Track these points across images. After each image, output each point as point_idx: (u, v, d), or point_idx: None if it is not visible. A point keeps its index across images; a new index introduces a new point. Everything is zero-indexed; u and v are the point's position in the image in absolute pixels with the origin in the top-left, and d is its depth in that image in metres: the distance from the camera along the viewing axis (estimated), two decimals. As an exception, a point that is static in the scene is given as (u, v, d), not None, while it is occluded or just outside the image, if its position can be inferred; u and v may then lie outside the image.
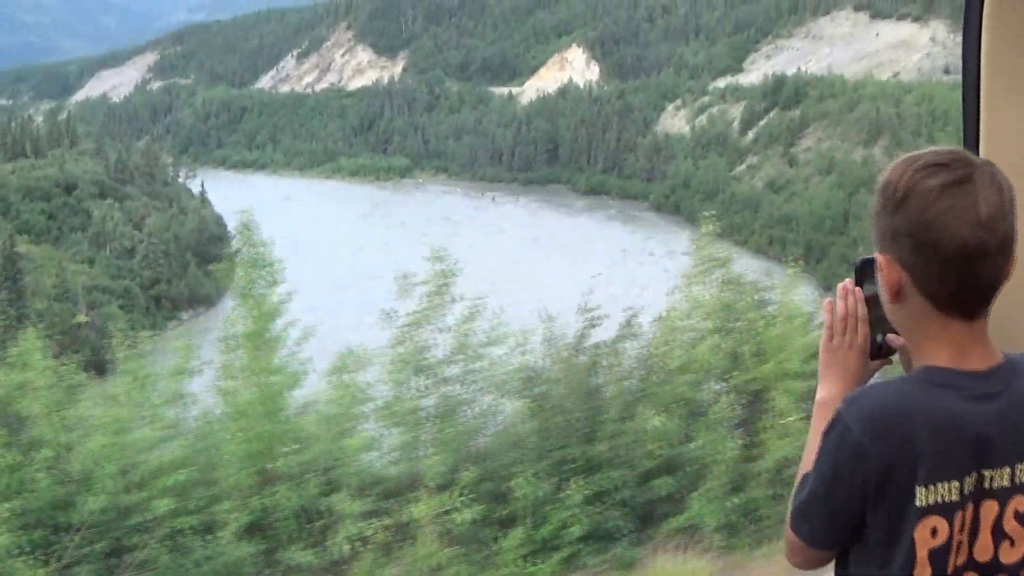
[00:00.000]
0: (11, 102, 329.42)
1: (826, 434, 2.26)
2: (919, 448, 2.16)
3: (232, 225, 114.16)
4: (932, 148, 2.28)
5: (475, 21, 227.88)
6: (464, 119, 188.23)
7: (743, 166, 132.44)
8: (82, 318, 75.25)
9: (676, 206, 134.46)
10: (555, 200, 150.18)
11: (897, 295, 2.33)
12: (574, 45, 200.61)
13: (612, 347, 12.32)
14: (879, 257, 2.32)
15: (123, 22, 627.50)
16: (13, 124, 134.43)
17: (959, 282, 2.23)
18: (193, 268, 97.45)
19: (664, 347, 12.17)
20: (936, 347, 2.31)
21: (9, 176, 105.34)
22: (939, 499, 2.18)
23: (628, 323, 12.68)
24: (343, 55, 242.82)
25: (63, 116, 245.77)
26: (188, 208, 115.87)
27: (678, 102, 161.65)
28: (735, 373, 11.74)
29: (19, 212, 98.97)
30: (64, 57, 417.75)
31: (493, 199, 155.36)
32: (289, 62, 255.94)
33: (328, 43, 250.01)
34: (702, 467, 11.05)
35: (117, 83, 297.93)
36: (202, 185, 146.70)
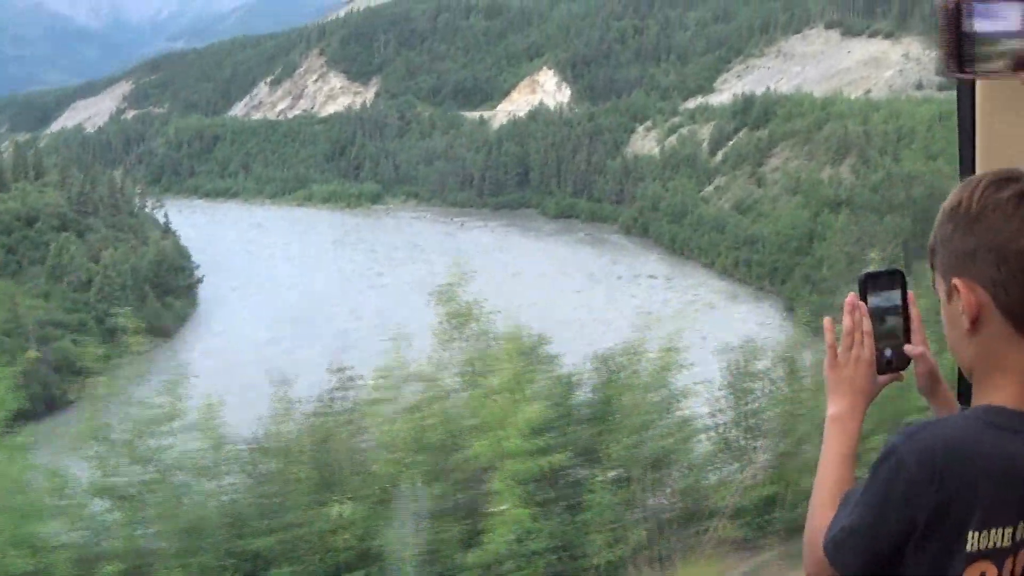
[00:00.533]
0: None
1: (878, 465, 2.18)
2: (978, 493, 2.08)
3: (198, 256, 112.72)
4: (986, 172, 2.17)
5: (448, 45, 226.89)
6: (435, 144, 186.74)
7: (711, 187, 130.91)
8: (33, 354, 73.42)
9: (645, 228, 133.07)
10: (524, 224, 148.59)
11: (976, 321, 2.20)
12: (545, 67, 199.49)
13: (322, 412, 10.32)
14: (957, 282, 2.19)
15: (104, 53, 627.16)
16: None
17: None
18: (151, 300, 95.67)
19: (372, 416, 10.13)
20: (1006, 382, 2.21)
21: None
22: (991, 545, 2.11)
23: (344, 382, 10.55)
24: (315, 81, 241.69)
25: (35, 147, 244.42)
26: (151, 239, 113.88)
27: (648, 123, 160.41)
28: (452, 449, 9.70)
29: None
30: (45, 87, 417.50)
31: (462, 224, 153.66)
32: (262, 89, 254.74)
33: (301, 69, 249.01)
34: (398, 563, 9.04)
35: (93, 113, 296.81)
36: (166, 215, 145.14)
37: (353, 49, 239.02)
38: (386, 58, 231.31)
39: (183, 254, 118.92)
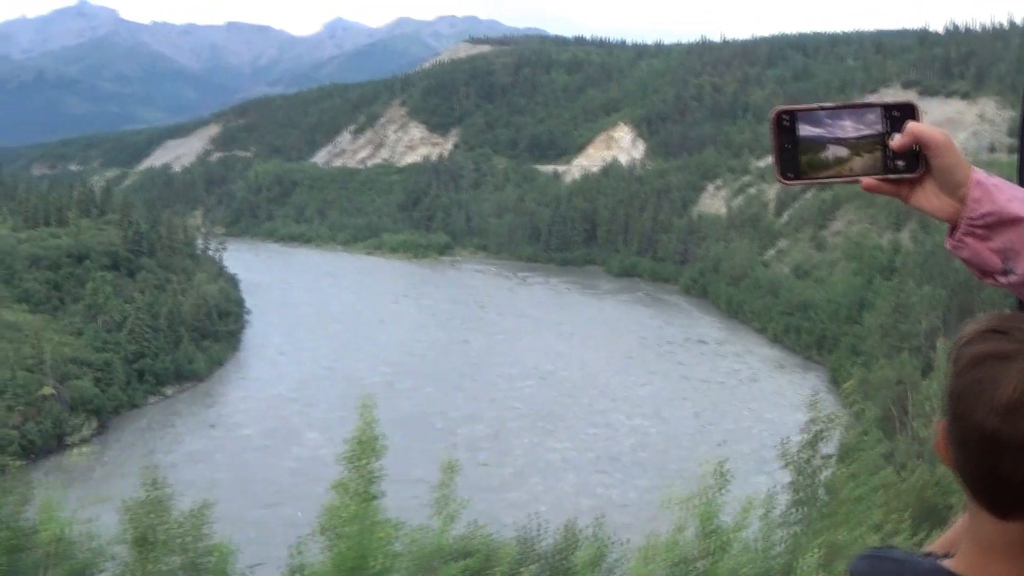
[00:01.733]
0: (81, 168, 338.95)
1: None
2: None
3: (257, 300, 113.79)
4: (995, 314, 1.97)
5: (527, 99, 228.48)
6: (507, 197, 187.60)
7: (773, 250, 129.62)
8: (48, 390, 74.62)
9: (704, 290, 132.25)
10: (586, 282, 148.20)
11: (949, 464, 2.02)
12: (621, 123, 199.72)
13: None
14: (937, 421, 2.03)
15: (202, 94, 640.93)
16: (29, 192, 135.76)
17: (978, 469, 1.91)
18: (186, 343, 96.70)
19: None
20: (966, 540, 2.01)
21: (18, 245, 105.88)
22: None
23: None
24: (396, 131, 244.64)
25: (106, 183, 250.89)
26: (197, 281, 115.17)
27: (718, 182, 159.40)
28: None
29: (21, 280, 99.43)
30: (142, 126, 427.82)
31: (524, 280, 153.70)
32: (345, 137, 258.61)
33: (383, 119, 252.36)
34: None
35: (182, 153, 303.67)
36: (220, 259, 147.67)
37: (434, 101, 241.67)
38: (466, 110, 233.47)
39: (230, 298, 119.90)
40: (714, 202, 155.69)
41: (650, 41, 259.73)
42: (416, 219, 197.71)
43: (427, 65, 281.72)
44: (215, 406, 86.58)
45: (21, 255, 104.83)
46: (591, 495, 60.92)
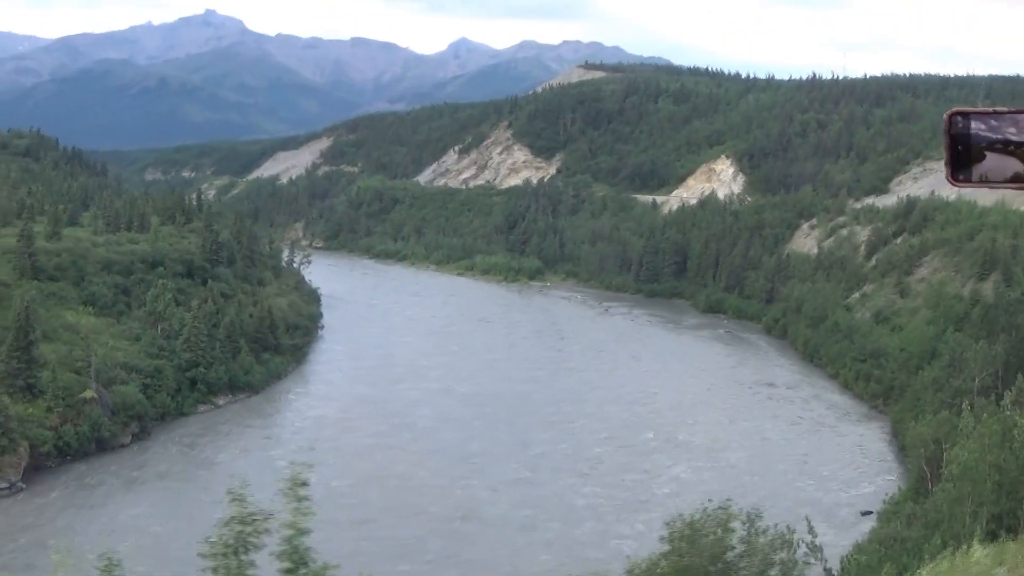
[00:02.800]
0: (193, 174, 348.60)
1: None
2: None
3: (337, 316, 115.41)
4: None
5: (632, 127, 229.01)
6: (602, 225, 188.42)
7: (858, 294, 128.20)
8: (89, 393, 77.00)
9: (784, 330, 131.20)
10: (669, 316, 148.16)
11: None
12: (723, 156, 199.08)
13: None
14: None
15: (324, 108, 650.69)
16: (115, 199, 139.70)
17: None
18: (244, 354, 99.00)
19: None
20: None
21: (93, 248, 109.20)
22: None
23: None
24: (500, 153, 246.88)
25: (197, 191, 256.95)
26: (265, 293, 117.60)
27: (813, 221, 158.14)
28: None
29: (91, 283, 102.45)
30: (263, 136, 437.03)
31: (607, 309, 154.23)
32: (451, 157, 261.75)
33: (488, 140, 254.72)
34: None
35: (292, 165, 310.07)
36: (299, 271, 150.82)
37: (539, 124, 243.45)
38: (571, 135, 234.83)
39: (300, 311, 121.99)
40: (807, 241, 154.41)
41: (775, 74, 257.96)
42: (511, 242, 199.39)
43: (539, 89, 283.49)
44: (256, 421, 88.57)
45: (94, 258, 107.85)
46: (603, 547, 60.67)
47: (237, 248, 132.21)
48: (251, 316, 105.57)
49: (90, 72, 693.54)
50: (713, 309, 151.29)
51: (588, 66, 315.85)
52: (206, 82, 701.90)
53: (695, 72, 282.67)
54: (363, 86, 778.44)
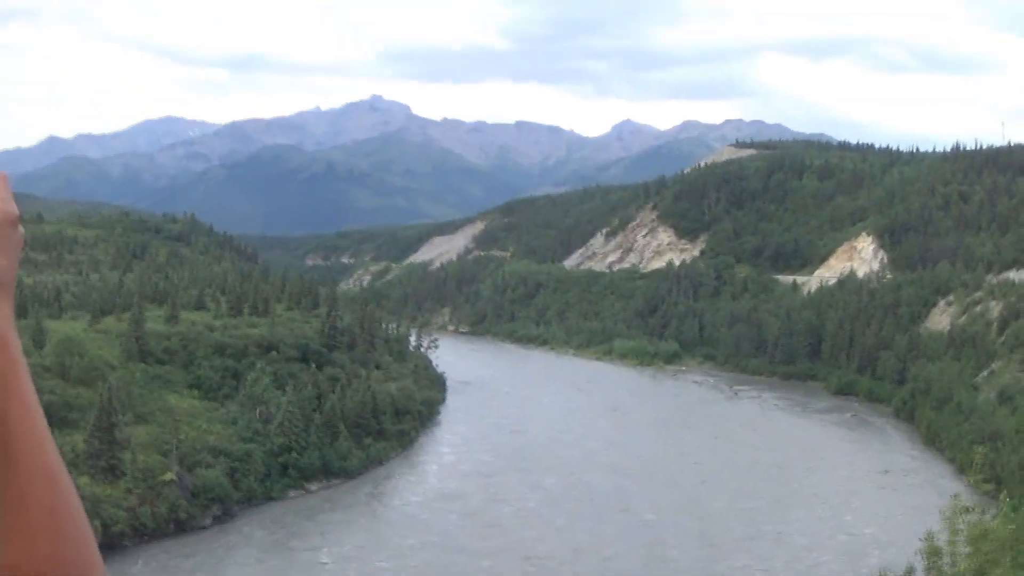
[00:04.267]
0: (352, 260, 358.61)
1: None
2: None
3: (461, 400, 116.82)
4: None
5: (776, 205, 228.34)
6: (740, 307, 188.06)
7: (986, 372, 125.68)
8: (169, 476, 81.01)
9: (911, 413, 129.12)
10: (799, 399, 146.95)
11: None
12: (864, 233, 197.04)
13: None
14: None
15: (488, 192, 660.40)
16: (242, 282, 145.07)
17: None
18: (343, 439, 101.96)
19: None
20: None
21: (207, 332, 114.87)
22: None
23: None
24: (645, 236, 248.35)
25: (381, 278, 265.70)
26: (370, 377, 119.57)
27: (950, 297, 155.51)
28: None
29: (199, 367, 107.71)
30: (428, 220, 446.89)
31: (736, 393, 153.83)
32: (598, 240, 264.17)
33: (634, 223, 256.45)
34: None
35: (446, 249, 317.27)
36: (425, 356, 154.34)
37: (684, 205, 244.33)
38: (715, 216, 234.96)
39: (412, 396, 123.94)
40: (943, 319, 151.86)
41: (936, 145, 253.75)
42: (651, 326, 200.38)
43: (687, 170, 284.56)
44: (333, 514, 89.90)
45: (206, 342, 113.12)
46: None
47: (359, 333, 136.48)
48: (353, 401, 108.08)
49: (259, 157, 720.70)
50: (844, 391, 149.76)
51: (739, 145, 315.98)
52: (373, 167, 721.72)
53: (844, 147, 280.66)
54: (528, 169, 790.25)
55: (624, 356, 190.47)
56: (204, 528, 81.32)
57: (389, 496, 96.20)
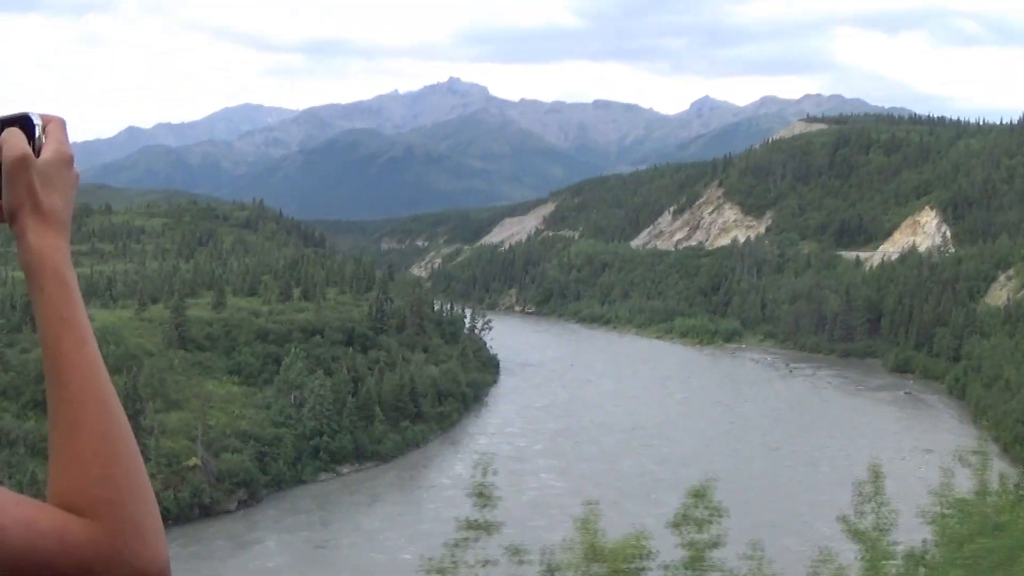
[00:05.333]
0: (426, 243, 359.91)
1: None
2: None
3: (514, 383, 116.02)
4: None
5: (842, 181, 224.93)
6: (802, 284, 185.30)
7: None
8: (194, 461, 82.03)
9: (963, 391, 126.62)
10: (853, 377, 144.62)
11: None
12: (927, 207, 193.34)
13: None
14: None
15: (568, 172, 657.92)
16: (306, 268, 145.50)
17: None
18: (377, 423, 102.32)
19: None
20: None
21: (252, 318, 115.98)
22: None
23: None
24: (711, 213, 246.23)
25: (452, 260, 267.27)
26: (412, 361, 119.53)
27: (1010, 272, 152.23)
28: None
29: (240, 352, 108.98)
30: (505, 202, 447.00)
31: (791, 371, 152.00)
32: (666, 218, 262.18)
33: (701, 200, 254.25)
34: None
35: (517, 231, 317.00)
36: (479, 338, 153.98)
37: (750, 182, 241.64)
38: (780, 192, 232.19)
39: (458, 379, 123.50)
40: (1003, 293, 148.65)
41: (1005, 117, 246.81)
42: (714, 304, 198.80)
43: (756, 146, 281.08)
44: (357, 497, 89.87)
45: (249, 328, 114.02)
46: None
47: (408, 315, 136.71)
48: (390, 384, 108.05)
49: (337, 143, 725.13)
50: (901, 369, 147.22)
51: (809, 119, 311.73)
52: (451, 150, 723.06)
53: (914, 120, 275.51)
54: (607, 148, 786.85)
55: (685, 335, 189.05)
56: (229, 512, 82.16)
57: (417, 480, 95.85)
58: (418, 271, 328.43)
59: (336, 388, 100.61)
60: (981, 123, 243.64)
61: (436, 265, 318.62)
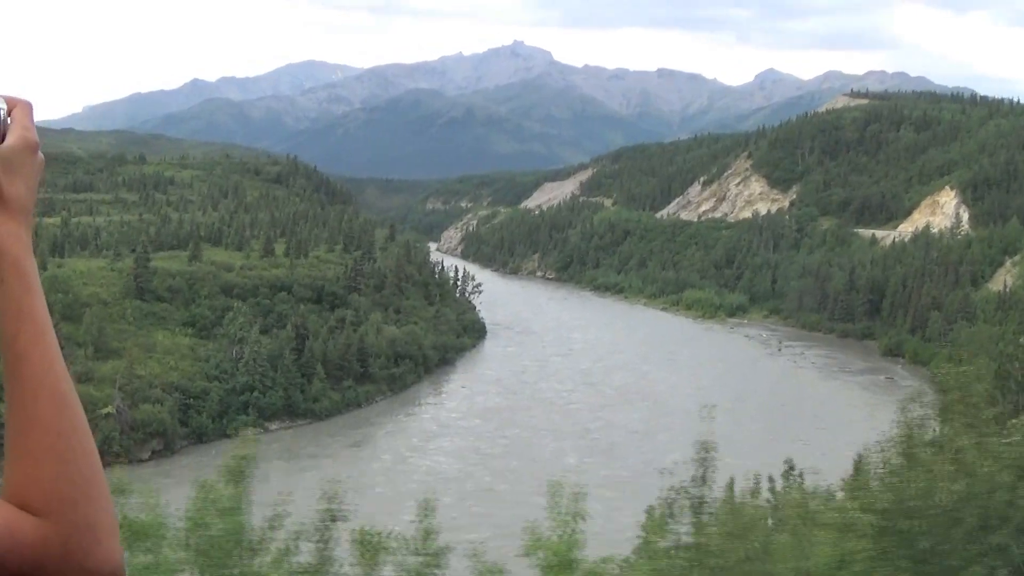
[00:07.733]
0: (470, 204, 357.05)
1: None
2: None
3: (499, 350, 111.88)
4: None
5: (869, 157, 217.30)
6: (813, 260, 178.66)
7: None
8: (109, 409, 79.99)
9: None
10: (839, 357, 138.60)
11: None
12: (947, 187, 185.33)
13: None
14: None
15: (628, 139, 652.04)
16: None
17: None
18: (318, 381, 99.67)
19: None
20: None
21: (222, 272, 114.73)
22: None
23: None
24: (738, 185, 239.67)
25: (488, 222, 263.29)
26: (371, 320, 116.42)
27: (1016, 257, 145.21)
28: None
29: (200, 304, 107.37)
30: (560, 166, 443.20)
31: (780, 349, 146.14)
32: (695, 188, 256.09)
33: (729, 172, 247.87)
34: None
35: (555, 195, 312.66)
36: (468, 301, 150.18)
37: (778, 155, 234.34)
38: (808, 166, 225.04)
39: (421, 341, 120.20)
40: (1009, 278, 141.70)
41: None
42: (726, 277, 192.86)
43: (794, 118, 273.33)
44: (273, 452, 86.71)
45: (216, 282, 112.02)
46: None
47: (390, 276, 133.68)
48: (337, 344, 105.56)
49: (400, 102, 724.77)
50: (893, 352, 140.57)
51: (853, 94, 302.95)
52: (512, 112, 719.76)
53: (955, 98, 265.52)
54: (669, 117, 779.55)
55: (690, 307, 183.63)
56: (142, 461, 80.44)
57: (343, 439, 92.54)
58: (453, 232, 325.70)
59: (280, 344, 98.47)
60: (1015, 102, 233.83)
61: (472, 227, 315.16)
